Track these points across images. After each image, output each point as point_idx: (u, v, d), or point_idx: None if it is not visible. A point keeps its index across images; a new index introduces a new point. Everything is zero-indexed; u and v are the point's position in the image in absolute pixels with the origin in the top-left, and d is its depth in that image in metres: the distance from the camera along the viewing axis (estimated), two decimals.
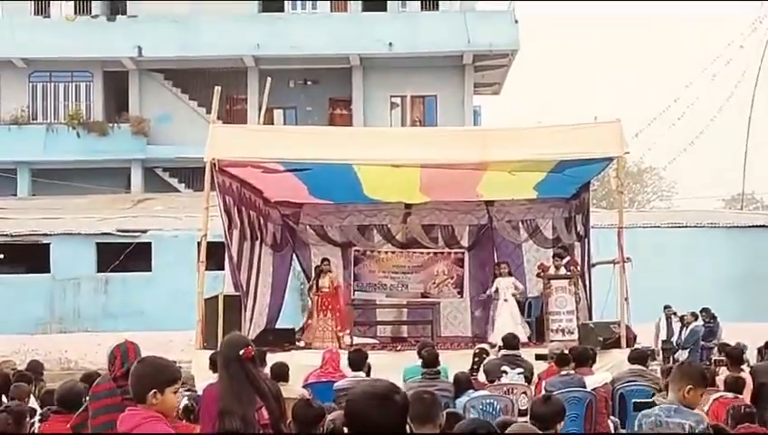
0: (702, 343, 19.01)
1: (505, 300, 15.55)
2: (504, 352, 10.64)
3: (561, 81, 75.63)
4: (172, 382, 4.65)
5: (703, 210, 28.81)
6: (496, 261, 16.89)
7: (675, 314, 19.54)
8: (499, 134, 13.94)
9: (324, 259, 16.29)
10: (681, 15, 79.75)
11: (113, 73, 33.19)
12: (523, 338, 14.10)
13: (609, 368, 11.08)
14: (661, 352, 18.93)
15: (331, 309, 15.30)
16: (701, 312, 19.53)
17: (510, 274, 15.93)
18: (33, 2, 33.34)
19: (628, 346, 12.32)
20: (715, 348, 16.65)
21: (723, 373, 9.68)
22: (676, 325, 19.48)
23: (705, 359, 17.29)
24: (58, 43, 31.23)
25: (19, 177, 32.23)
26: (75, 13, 32.95)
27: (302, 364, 10.86)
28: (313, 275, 16.16)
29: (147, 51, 31.74)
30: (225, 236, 13.49)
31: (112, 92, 33.66)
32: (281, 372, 8.82)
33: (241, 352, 5.36)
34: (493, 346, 11.86)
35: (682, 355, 18.44)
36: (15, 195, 31.48)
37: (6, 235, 23.79)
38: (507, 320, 15.13)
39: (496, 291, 15.74)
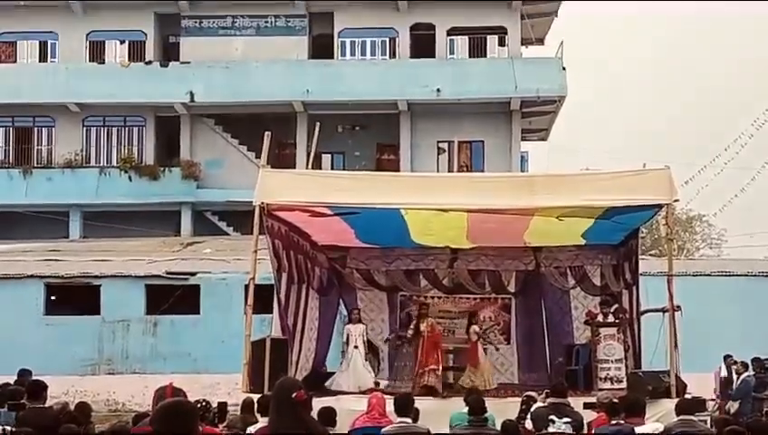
0: (753, 394, 18.60)
1: (356, 347, 15.63)
2: (551, 399, 10.53)
3: (610, 127, 75.34)
4: None
5: (753, 259, 28.37)
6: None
7: (735, 363, 19.11)
8: (547, 180, 13.90)
9: (423, 304, 16.43)
10: (733, 58, 79.33)
11: (165, 118, 33.76)
12: (370, 383, 14.50)
13: (658, 418, 10.90)
14: (719, 402, 18.53)
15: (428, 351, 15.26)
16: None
17: (360, 321, 16.02)
18: (88, 48, 34.14)
19: (677, 396, 12.14)
20: None
21: None
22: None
23: (756, 410, 16.91)
24: (112, 88, 31.93)
25: (71, 219, 32.76)
26: (129, 59, 33.68)
27: (348, 409, 10.88)
28: (414, 319, 16.18)
29: (198, 96, 32.31)
30: (275, 280, 13.59)
31: (164, 137, 34.20)
32: (329, 417, 8.82)
33: (293, 395, 5.36)
34: (540, 393, 11.74)
35: (733, 407, 18.06)
36: (67, 237, 31.98)
37: (58, 276, 24.15)
38: (359, 367, 15.34)
39: (347, 338, 15.76)
